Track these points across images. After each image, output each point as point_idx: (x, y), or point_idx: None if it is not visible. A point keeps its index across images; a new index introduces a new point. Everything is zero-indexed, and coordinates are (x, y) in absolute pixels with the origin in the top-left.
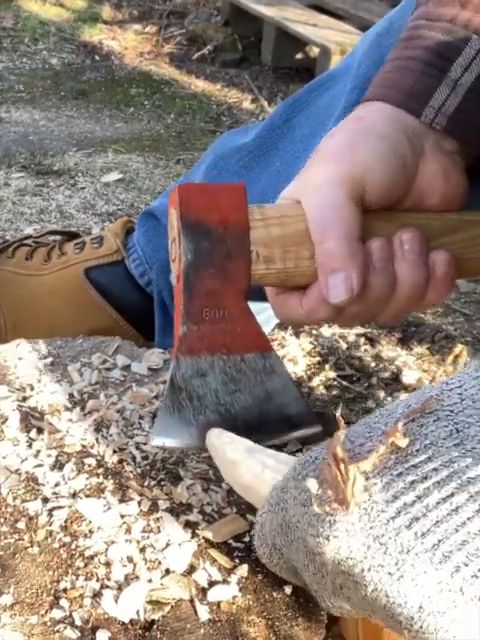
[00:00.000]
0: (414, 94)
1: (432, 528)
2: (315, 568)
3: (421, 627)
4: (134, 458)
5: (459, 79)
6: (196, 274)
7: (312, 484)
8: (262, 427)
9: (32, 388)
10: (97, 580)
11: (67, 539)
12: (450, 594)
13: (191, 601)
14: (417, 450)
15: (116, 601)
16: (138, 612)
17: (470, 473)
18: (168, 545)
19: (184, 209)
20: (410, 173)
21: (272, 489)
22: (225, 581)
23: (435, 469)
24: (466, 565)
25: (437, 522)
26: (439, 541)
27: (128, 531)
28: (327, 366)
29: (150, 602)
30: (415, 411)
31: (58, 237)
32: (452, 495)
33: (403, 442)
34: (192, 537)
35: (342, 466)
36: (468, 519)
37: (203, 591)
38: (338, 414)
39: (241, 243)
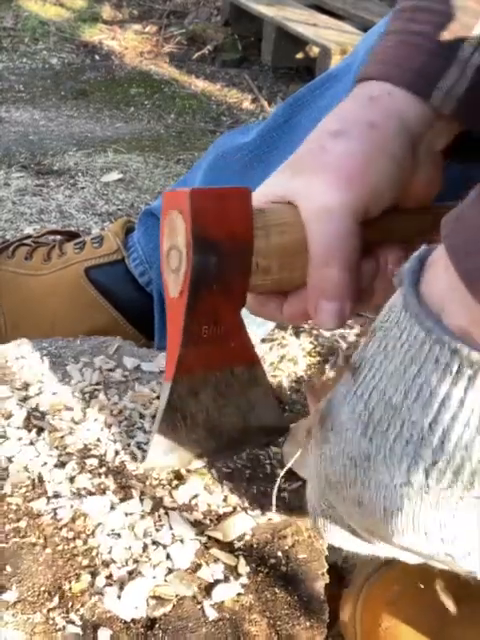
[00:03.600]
0: (423, 75)
1: (377, 429)
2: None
3: (391, 532)
4: (136, 458)
5: (469, 59)
6: (202, 292)
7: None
8: (243, 439)
9: (33, 388)
10: (100, 578)
11: (70, 537)
12: (403, 489)
13: (194, 598)
14: (364, 366)
15: (119, 598)
16: (138, 608)
17: (391, 368)
18: (171, 543)
19: (195, 220)
20: (408, 187)
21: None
22: (228, 579)
23: (373, 376)
24: (407, 455)
25: (379, 422)
26: (385, 440)
27: (131, 529)
28: (327, 366)
29: (154, 597)
30: (359, 337)
31: (58, 237)
32: (385, 393)
33: (350, 368)
34: (195, 536)
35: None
36: (399, 409)
37: (207, 589)
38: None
39: (245, 256)
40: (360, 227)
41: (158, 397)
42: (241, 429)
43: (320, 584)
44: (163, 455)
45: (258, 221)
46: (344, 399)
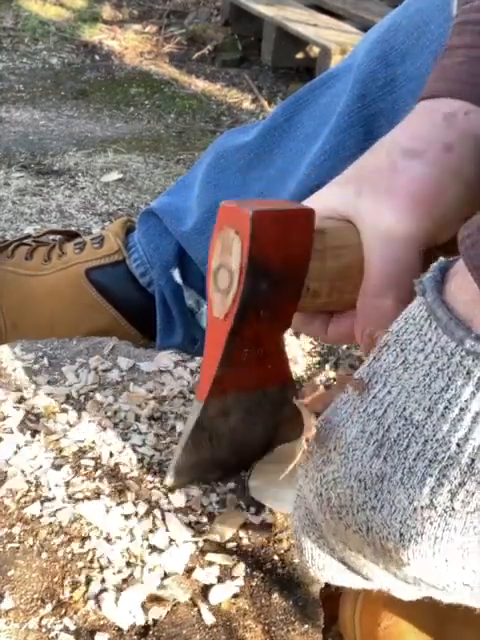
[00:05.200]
0: None
1: (395, 448)
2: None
3: (405, 559)
4: (131, 460)
5: None
6: (249, 318)
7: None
8: (261, 456)
9: (28, 390)
10: (96, 583)
11: (64, 543)
12: (424, 512)
13: (189, 602)
14: (376, 382)
15: (116, 603)
16: (133, 614)
17: (411, 382)
18: (167, 547)
19: (253, 246)
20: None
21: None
22: (224, 581)
23: (389, 392)
24: (430, 475)
25: (397, 440)
26: (404, 458)
27: (127, 533)
28: (327, 366)
29: (151, 600)
30: (372, 349)
31: (58, 237)
32: (404, 409)
33: (358, 385)
34: (191, 538)
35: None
36: (422, 426)
37: (203, 592)
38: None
39: (297, 282)
40: (422, 257)
41: (154, 398)
42: (265, 446)
43: (315, 588)
44: (185, 474)
45: (317, 242)
46: (350, 417)
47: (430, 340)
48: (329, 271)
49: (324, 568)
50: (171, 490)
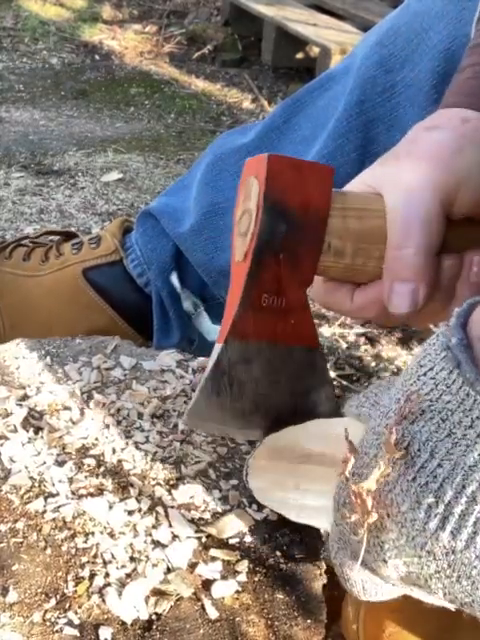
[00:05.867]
0: None
1: (462, 523)
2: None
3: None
4: (134, 457)
5: None
6: (267, 257)
7: (344, 513)
8: (290, 422)
9: (31, 388)
10: (99, 578)
11: (68, 538)
12: None
13: (193, 597)
14: (418, 450)
15: (120, 597)
16: (137, 608)
17: (468, 460)
18: (170, 542)
19: (270, 184)
20: None
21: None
22: (227, 577)
23: (439, 465)
24: None
25: (463, 516)
26: (474, 533)
27: (130, 528)
28: (328, 368)
29: (154, 593)
30: (403, 415)
31: (56, 237)
32: (464, 487)
33: (399, 454)
34: (194, 534)
35: (354, 488)
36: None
37: (206, 587)
38: (349, 437)
39: (317, 232)
40: (445, 214)
41: (157, 397)
42: (290, 412)
43: (318, 584)
44: (203, 418)
45: (337, 201)
46: (397, 484)
47: (478, 419)
48: (352, 231)
49: (376, 594)
50: (176, 477)
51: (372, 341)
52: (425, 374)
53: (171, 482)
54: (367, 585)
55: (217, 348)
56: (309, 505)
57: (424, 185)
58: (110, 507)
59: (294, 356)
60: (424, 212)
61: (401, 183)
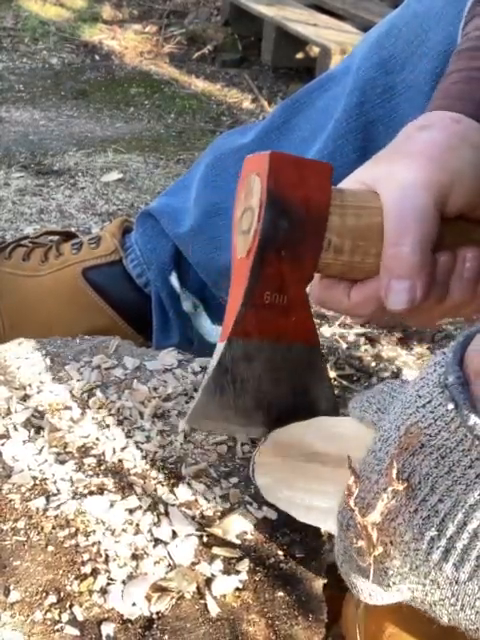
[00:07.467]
0: None
1: (464, 557)
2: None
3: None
4: (135, 456)
5: None
6: (270, 254)
7: (350, 536)
8: (290, 420)
9: (32, 387)
10: (101, 575)
11: (69, 536)
12: None
13: (194, 596)
14: (419, 483)
15: (121, 595)
16: (139, 605)
17: (469, 499)
18: (171, 540)
19: (272, 181)
20: None
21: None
22: (228, 574)
23: (440, 500)
24: None
25: (465, 550)
26: (477, 566)
27: (132, 527)
28: (327, 366)
29: (156, 590)
30: (403, 447)
31: (55, 237)
32: (465, 524)
33: (401, 487)
34: (195, 532)
35: (360, 521)
36: None
37: (207, 585)
38: (352, 464)
39: (318, 229)
40: (439, 212)
41: (158, 397)
42: (291, 410)
43: (319, 583)
44: (206, 417)
45: (336, 198)
46: (400, 514)
47: (477, 460)
48: (350, 228)
49: (382, 600)
50: (177, 476)
51: (372, 341)
52: (424, 406)
53: (172, 481)
54: (374, 592)
55: (220, 346)
56: (316, 506)
57: (418, 183)
58: (111, 505)
59: (295, 354)
60: (419, 210)
61: (395, 181)
